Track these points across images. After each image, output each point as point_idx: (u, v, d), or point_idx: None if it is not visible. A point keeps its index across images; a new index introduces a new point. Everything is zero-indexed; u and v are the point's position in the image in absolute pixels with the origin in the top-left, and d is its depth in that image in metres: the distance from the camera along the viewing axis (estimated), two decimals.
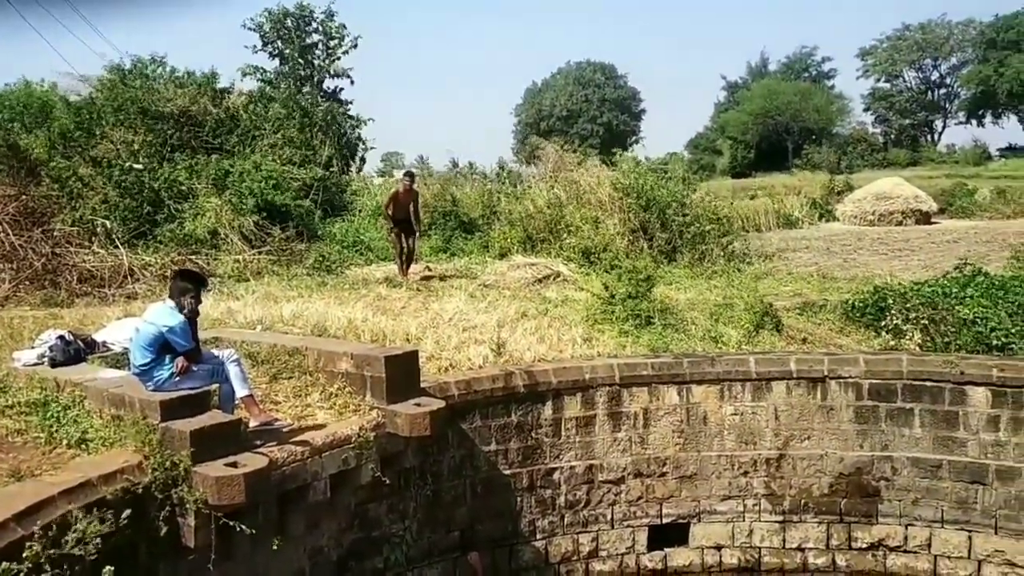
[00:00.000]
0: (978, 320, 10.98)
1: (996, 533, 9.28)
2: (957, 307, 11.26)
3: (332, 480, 7.24)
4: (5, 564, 4.76)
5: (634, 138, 71.39)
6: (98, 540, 5.37)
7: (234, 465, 6.16)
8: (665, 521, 9.79)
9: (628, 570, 9.78)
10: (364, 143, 31.38)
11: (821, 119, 63.89)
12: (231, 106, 20.01)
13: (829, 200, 33.11)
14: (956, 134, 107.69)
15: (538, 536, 9.45)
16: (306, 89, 30.94)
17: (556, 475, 9.46)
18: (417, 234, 14.27)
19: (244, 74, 31.91)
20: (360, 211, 19.01)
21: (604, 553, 9.70)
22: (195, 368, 6.80)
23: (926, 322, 10.99)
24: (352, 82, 36.21)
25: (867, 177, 37.53)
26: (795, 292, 13.42)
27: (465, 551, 9.05)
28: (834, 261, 18.18)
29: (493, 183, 21.36)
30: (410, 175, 14.43)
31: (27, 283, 12.15)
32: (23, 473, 5.95)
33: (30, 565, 4.95)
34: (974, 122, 70.56)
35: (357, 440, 7.38)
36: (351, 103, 35.84)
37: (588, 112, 72.03)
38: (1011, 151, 61.01)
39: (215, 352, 7.13)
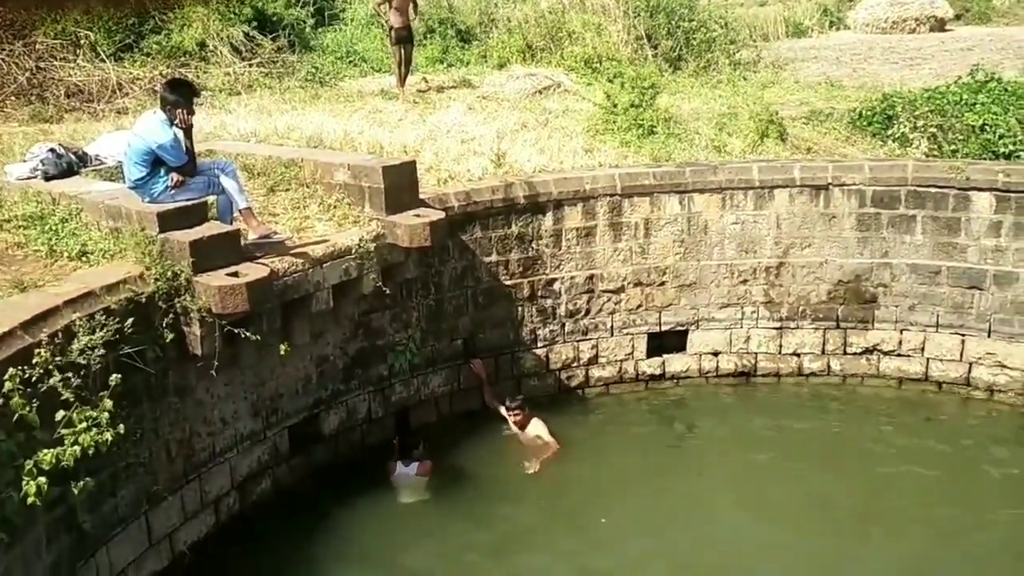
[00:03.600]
0: (987, 127, 10.74)
1: (989, 336, 9.46)
2: (967, 114, 10.99)
3: (334, 290, 7.31)
4: (12, 369, 4.85)
5: None
6: (103, 349, 5.46)
7: (235, 275, 6.19)
8: (664, 329, 9.97)
9: (627, 376, 10.05)
10: None
11: None
12: None
13: (841, 7, 31.77)
14: None
15: (539, 344, 9.65)
16: None
17: (557, 285, 9.54)
18: (415, 40, 13.74)
19: None
20: (352, 20, 18.22)
21: (604, 360, 9.95)
22: (190, 181, 6.71)
23: (934, 130, 10.75)
24: None
25: None
26: (802, 101, 13.08)
27: (468, 359, 9.28)
28: (843, 71, 17.61)
29: None
30: None
31: (13, 99, 11.83)
32: (26, 284, 5.99)
33: (41, 371, 5.05)
34: None
35: (358, 251, 7.40)
36: None
37: None
38: None
39: (210, 163, 7.01)
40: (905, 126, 10.91)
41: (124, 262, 6.33)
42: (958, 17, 29.99)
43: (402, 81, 13.25)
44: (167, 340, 6.16)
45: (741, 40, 17.94)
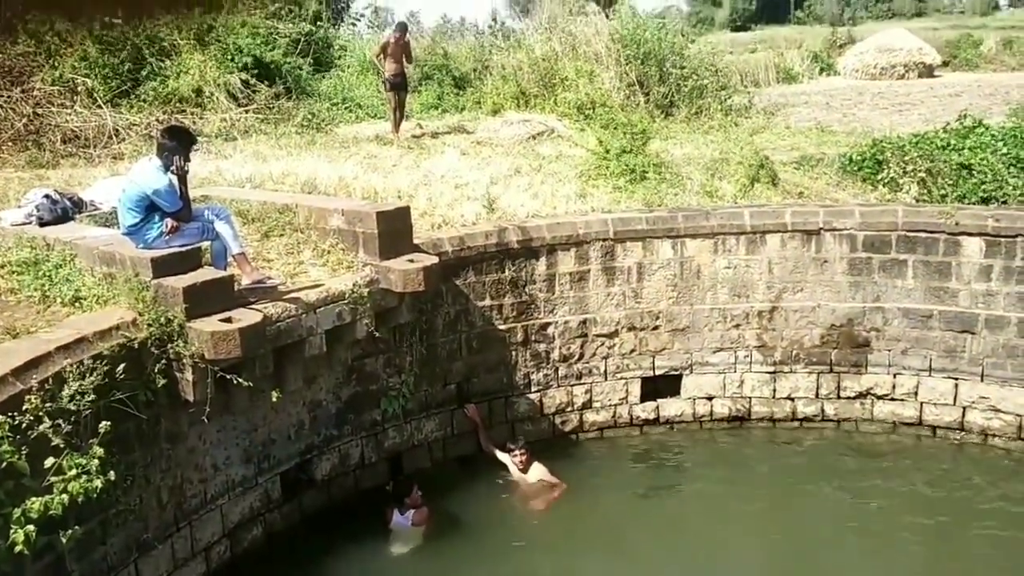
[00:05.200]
0: (975, 171, 10.85)
1: (982, 380, 9.46)
2: (955, 158, 11.11)
3: (328, 335, 7.29)
4: (2, 416, 4.82)
5: None
6: (94, 395, 5.43)
7: (228, 320, 6.19)
8: (658, 373, 9.96)
9: (621, 420, 10.02)
10: None
11: None
12: None
13: (831, 54, 32.30)
14: None
15: (533, 389, 9.63)
16: None
17: (550, 329, 9.55)
18: (408, 86, 13.97)
19: None
20: (349, 67, 18.48)
21: (598, 404, 9.92)
22: (184, 227, 6.73)
23: (923, 174, 10.87)
24: None
25: (871, 29, 36.56)
26: (793, 146, 13.23)
27: (462, 404, 9.24)
28: (833, 116, 17.88)
29: (485, 36, 20.70)
30: (402, 27, 13.96)
31: (10, 144, 11.92)
32: (19, 330, 5.98)
33: (31, 417, 5.02)
34: None
35: (351, 296, 7.39)
36: None
37: None
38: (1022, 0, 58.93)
39: (204, 209, 7.04)
40: (895, 171, 11.01)
41: (117, 308, 6.32)
42: (946, 64, 30.51)
43: (397, 127, 13.39)
44: (159, 386, 6.13)
45: (732, 86, 18.18)
